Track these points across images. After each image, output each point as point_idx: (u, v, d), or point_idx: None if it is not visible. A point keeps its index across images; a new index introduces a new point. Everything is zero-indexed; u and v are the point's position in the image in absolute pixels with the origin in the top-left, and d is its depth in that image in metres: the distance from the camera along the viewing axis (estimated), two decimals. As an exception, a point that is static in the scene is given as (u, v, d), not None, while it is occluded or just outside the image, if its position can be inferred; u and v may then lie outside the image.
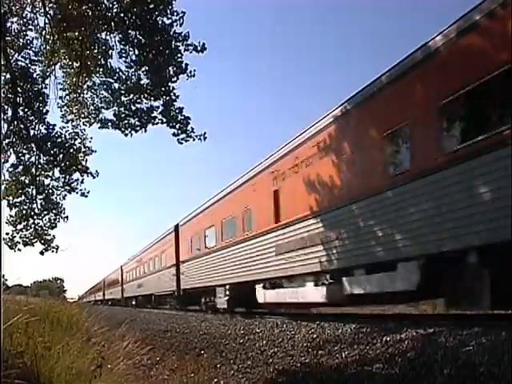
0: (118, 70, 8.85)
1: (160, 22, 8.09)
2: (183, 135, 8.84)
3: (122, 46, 8.39)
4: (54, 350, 4.65)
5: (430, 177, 7.20)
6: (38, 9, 9.35)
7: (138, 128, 9.00)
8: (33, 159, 10.82)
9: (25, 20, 9.72)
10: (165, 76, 8.41)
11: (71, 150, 10.63)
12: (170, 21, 8.07)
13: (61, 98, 10.10)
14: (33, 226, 11.14)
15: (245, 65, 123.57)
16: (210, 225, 16.43)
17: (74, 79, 9.56)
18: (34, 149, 10.67)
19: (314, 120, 10.47)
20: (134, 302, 30.47)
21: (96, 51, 8.85)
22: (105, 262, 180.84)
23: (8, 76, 9.73)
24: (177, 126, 8.80)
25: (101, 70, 9.02)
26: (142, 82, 8.73)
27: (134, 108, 8.94)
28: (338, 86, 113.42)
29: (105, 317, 10.40)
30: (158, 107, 8.82)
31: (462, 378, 4.30)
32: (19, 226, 11.12)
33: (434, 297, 9.02)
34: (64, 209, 11.32)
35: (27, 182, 11.03)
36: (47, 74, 10.09)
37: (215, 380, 6.74)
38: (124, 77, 8.83)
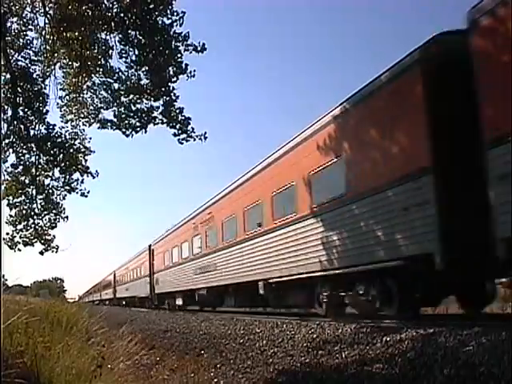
0: (117, 70, 8.87)
1: (160, 22, 8.08)
2: (184, 135, 8.84)
3: (122, 46, 8.39)
4: (54, 350, 4.65)
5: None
6: (37, 9, 9.37)
7: (138, 128, 8.99)
8: (33, 159, 10.83)
9: (25, 20, 9.74)
10: (165, 76, 8.40)
11: (71, 150, 10.64)
12: (169, 21, 8.07)
13: (60, 98, 10.13)
14: (33, 225, 11.14)
15: (243, 65, 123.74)
16: (172, 246, 22.44)
17: (74, 79, 9.56)
18: (34, 149, 10.67)
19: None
20: (124, 302, 35.75)
21: (96, 51, 8.84)
22: (105, 262, 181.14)
23: (8, 76, 9.74)
24: (177, 126, 8.79)
25: (101, 70, 9.01)
26: (142, 82, 8.73)
27: (134, 108, 8.94)
28: (336, 85, 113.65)
29: (105, 317, 10.41)
30: (158, 107, 8.82)
31: (462, 378, 4.30)
32: (19, 226, 11.14)
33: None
34: (64, 209, 11.35)
35: (27, 182, 11.03)
36: (47, 74, 10.10)
37: (215, 380, 6.73)
38: (124, 77, 8.84)
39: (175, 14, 8.05)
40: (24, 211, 11.07)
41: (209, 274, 16.50)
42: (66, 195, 11.16)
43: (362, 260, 8.47)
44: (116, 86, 9.05)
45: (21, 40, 9.92)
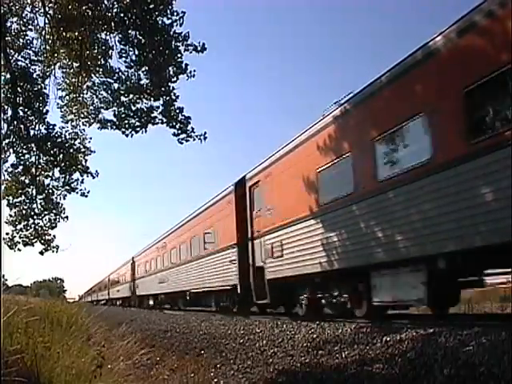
0: (117, 70, 8.86)
1: (160, 22, 8.08)
2: (183, 135, 8.83)
3: (121, 46, 8.38)
4: (54, 349, 4.65)
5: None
6: (37, 9, 9.35)
7: (138, 128, 8.98)
8: (33, 159, 10.83)
9: (25, 20, 9.73)
10: (165, 76, 8.39)
11: (71, 150, 10.63)
12: (169, 21, 8.06)
13: (60, 98, 10.12)
14: (33, 226, 11.14)
15: (243, 65, 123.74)
16: (146, 260, 29.26)
17: (74, 79, 9.56)
18: (34, 149, 10.66)
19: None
20: (117, 302, 42.03)
21: (96, 51, 8.84)
22: (105, 262, 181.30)
23: (8, 76, 9.73)
24: (177, 126, 8.78)
25: (100, 70, 9.01)
26: (141, 82, 8.72)
27: (133, 108, 8.93)
28: (336, 86, 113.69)
29: (105, 317, 10.41)
30: (157, 107, 8.81)
31: (462, 378, 4.30)
32: (19, 226, 11.14)
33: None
34: (64, 209, 11.35)
35: (27, 182, 11.03)
36: (47, 74, 10.10)
37: (215, 380, 6.73)
38: (124, 77, 8.83)
39: (175, 13, 8.05)
40: (24, 211, 11.07)
41: (164, 283, 23.48)
42: (66, 195, 11.17)
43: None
44: (116, 85, 9.04)
45: (21, 40, 9.91)
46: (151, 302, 27.76)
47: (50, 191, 11.13)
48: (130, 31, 8.18)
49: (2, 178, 10.57)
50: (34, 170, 10.84)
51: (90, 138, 10.97)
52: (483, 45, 6.54)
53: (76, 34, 8.52)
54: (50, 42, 9.36)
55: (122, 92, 8.94)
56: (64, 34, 8.61)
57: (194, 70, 8.37)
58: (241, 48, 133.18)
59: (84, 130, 10.63)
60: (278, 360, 6.87)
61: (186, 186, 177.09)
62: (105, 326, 10.05)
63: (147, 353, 7.81)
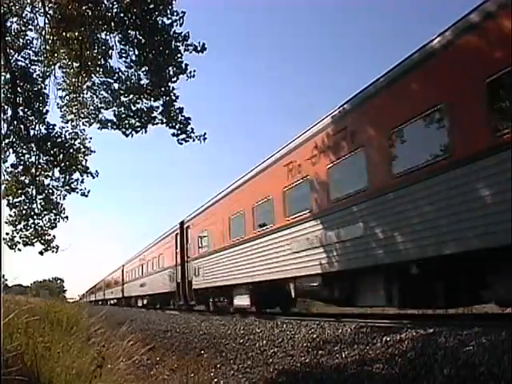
0: (117, 70, 8.87)
1: (160, 22, 8.08)
2: (183, 135, 8.82)
3: (121, 46, 8.39)
4: (54, 349, 4.65)
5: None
6: (37, 9, 9.36)
7: (138, 128, 8.99)
8: (33, 159, 10.85)
9: (25, 20, 9.74)
10: (165, 76, 8.39)
11: (71, 150, 10.64)
12: (169, 21, 8.06)
13: (61, 98, 10.13)
14: (33, 226, 11.15)
15: (243, 65, 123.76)
16: (132, 268, 34.33)
17: (74, 79, 9.56)
18: (34, 149, 10.67)
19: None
20: (111, 302, 46.65)
21: (96, 51, 8.84)
22: (105, 262, 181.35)
23: (8, 76, 9.73)
24: (177, 127, 8.78)
25: (100, 70, 9.01)
26: (141, 82, 8.72)
27: (133, 108, 8.93)
28: (336, 86, 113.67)
29: (105, 317, 10.40)
30: (157, 107, 8.82)
31: (462, 378, 4.30)
32: (19, 226, 11.15)
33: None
34: (64, 209, 11.37)
35: (27, 182, 11.04)
36: (47, 74, 10.10)
37: (215, 380, 6.74)
38: (124, 77, 8.83)
39: (175, 13, 8.05)
40: (24, 211, 11.08)
41: (143, 287, 29.09)
42: (66, 195, 11.18)
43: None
44: (116, 85, 9.05)
45: (21, 40, 9.92)
46: (139, 303, 32.71)
47: (50, 191, 11.15)
48: (129, 31, 8.18)
49: (2, 178, 10.60)
50: (33, 170, 10.85)
51: (90, 138, 11.01)
52: None
53: (76, 34, 8.52)
54: (49, 42, 9.36)
55: (122, 92, 8.94)
56: (64, 34, 8.60)
57: (194, 70, 8.38)
58: (241, 48, 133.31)
59: (84, 130, 10.67)
60: (278, 360, 6.87)
61: (186, 186, 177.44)
62: (105, 326, 10.03)
63: (147, 353, 7.80)
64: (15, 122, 10.13)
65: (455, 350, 4.98)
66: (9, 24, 9.50)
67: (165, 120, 8.81)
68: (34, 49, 9.99)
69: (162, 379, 6.94)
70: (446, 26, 6.98)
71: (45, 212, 11.18)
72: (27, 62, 10.02)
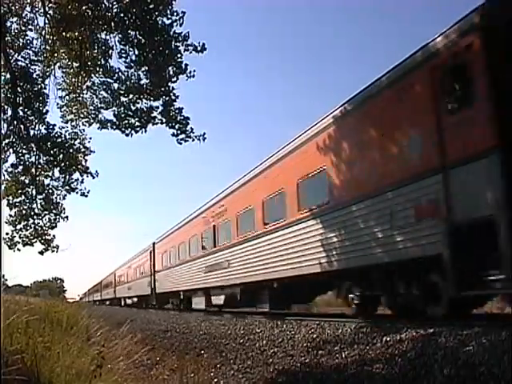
0: (117, 70, 8.84)
1: (160, 22, 8.07)
2: (183, 135, 8.81)
3: (121, 46, 8.36)
4: (54, 349, 4.65)
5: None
6: (37, 9, 9.35)
7: (138, 128, 8.97)
8: (33, 159, 10.84)
9: (25, 20, 9.73)
10: (164, 76, 8.38)
11: (71, 150, 10.63)
12: (169, 21, 8.05)
13: (60, 98, 10.12)
14: (33, 225, 11.14)
15: (243, 65, 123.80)
16: (120, 274, 40.28)
17: (74, 79, 9.56)
18: (34, 149, 10.67)
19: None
20: (107, 302, 51.36)
21: (96, 51, 8.83)
22: (105, 262, 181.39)
23: (8, 76, 9.73)
24: (176, 127, 8.76)
25: (100, 70, 8.99)
26: (141, 82, 8.71)
27: (133, 108, 8.91)
28: (336, 86, 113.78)
29: (105, 317, 10.41)
30: (157, 107, 8.81)
31: (462, 378, 4.30)
32: (19, 226, 11.13)
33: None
34: (64, 209, 11.35)
35: (27, 182, 11.03)
36: (47, 74, 10.10)
37: (215, 380, 6.74)
38: (124, 77, 8.82)
39: (175, 13, 8.03)
40: (24, 211, 11.07)
41: (130, 290, 34.63)
42: (65, 195, 11.18)
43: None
44: (116, 85, 9.03)
45: (21, 40, 9.91)
46: (129, 302, 37.74)
47: (50, 191, 11.14)
48: (130, 31, 8.17)
49: (2, 178, 10.59)
50: (33, 170, 10.85)
51: (90, 138, 10.99)
52: None
53: (76, 33, 8.51)
54: (49, 42, 9.36)
55: (122, 92, 8.93)
56: (64, 34, 8.60)
57: (194, 70, 8.36)
58: (241, 48, 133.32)
59: (84, 130, 10.65)
60: (278, 360, 6.88)
61: (186, 186, 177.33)
62: (105, 326, 10.03)
63: (147, 353, 7.81)
64: (15, 122, 10.13)
65: (455, 350, 4.98)
66: (9, 24, 9.51)
67: (164, 120, 8.80)
68: (33, 49, 9.99)
69: (162, 379, 6.94)
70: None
71: (45, 212, 11.17)
72: (27, 61, 10.03)
